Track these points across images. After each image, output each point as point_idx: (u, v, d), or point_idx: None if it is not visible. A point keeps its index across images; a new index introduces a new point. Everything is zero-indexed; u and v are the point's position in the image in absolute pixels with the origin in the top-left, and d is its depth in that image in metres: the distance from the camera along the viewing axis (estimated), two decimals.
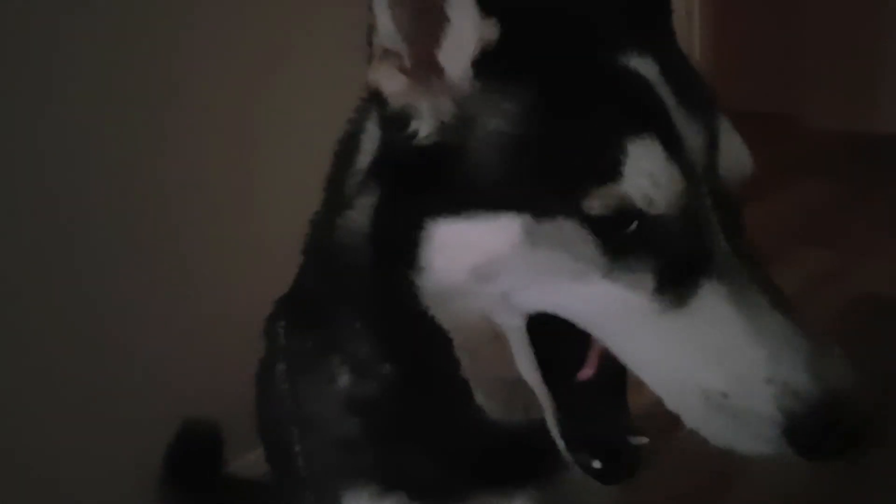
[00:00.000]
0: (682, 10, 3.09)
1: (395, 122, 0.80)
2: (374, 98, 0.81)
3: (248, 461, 1.84)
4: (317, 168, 0.98)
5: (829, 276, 2.95)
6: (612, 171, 0.69)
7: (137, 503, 1.77)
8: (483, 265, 0.75)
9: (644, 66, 0.73)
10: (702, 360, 0.69)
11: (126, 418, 1.80)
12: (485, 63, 0.75)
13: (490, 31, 0.73)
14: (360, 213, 0.85)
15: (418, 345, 0.86)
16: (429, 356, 0.86)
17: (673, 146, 0.70)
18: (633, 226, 0.70)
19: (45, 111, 1.64)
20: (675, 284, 0.70)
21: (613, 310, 0.72)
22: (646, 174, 0.68)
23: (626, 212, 0.69)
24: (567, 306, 0.75)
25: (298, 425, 1.06)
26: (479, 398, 0.89)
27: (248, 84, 1.93)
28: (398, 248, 0.80)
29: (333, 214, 0.91)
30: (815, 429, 0.65)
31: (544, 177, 0.72)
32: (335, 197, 0.93)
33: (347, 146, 0.92)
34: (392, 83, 0.79)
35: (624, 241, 0.70)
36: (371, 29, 0.78)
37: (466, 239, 0.75)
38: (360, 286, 0.87)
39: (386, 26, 0.76)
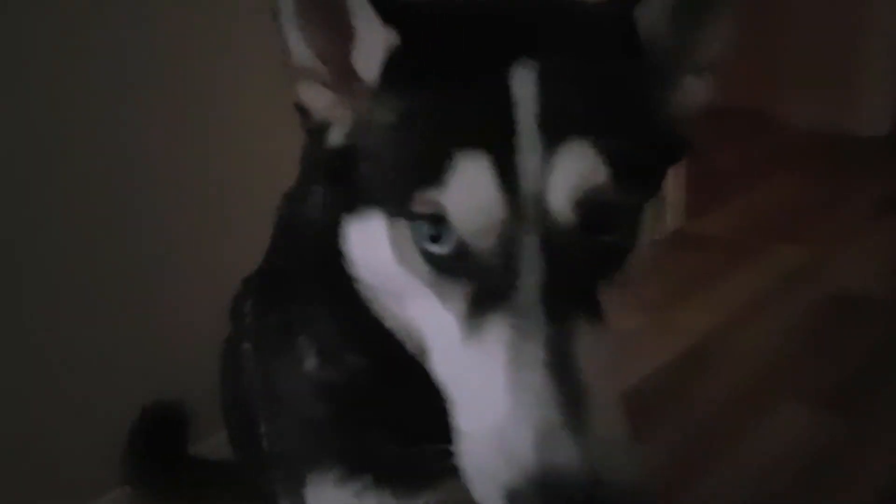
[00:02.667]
0: None
1: (317, 130, 0.82)
2: (300, 112, 0.83)
3: (214, 442, 1.83)
4: None
5: (801, 272, 2.98)
6: (436, 177, 0.68)
7: (103, 482, 1.77)
8: (375, 266, 0.77)
9: (523, 82, 0.70)
10: (469, 395, 0.69)
11: (92, 399, 1.78)
12: (391, 68, 0.76)
13: (392, 37, 0.74)
14: (318, 197, 0.88)
15: (374, 333, 0.85)
16: (386, 345, 0.85)
17: (507, 172, 0.67)
18: (450, 244, 0.69)
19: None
20: (478, 314, 0.69)
21: (433, 326, 0.73)
22: (468, 191, 0.67)
23: (442, 222, 0.69)
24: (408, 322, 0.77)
25: (264, 405, 1.04)
26: None
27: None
28: (334, 237, 0.82)
29: (306, 190, 0.91)
30: (524, 499, 0.63)
31: (396, 174, 0.72)
32: (309, 172, 0.93)
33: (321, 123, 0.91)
34: (318, 99, 0.81)
35: (443, 256, 0.70)
36: (284, 50, 0.80)
37: (364, 237, 0.77)
38: (321, 270, 0.87)
39: (297, 47, 0.79)
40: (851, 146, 4.39)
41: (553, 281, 0.67)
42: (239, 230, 1.96)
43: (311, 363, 0.93)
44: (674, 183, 3.38)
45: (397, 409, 0.89)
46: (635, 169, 0.70)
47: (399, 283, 0.75)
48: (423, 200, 0.69)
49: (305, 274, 0.93)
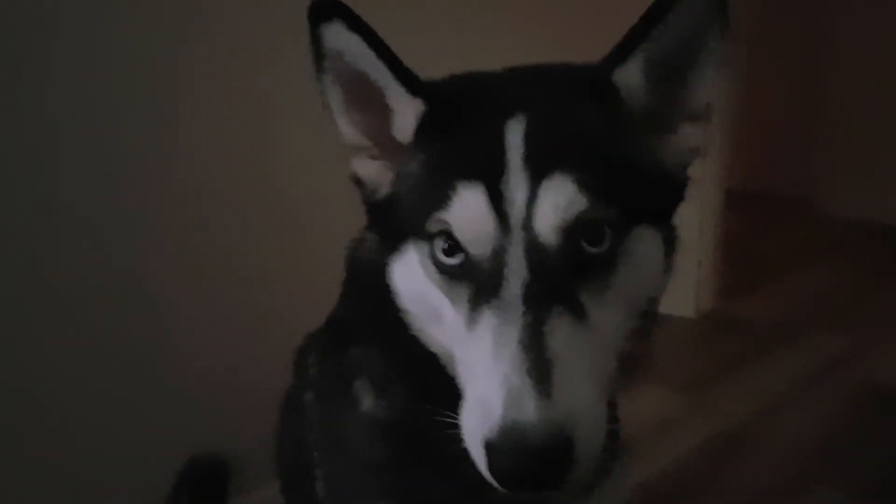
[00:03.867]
0: None
1: (370, 191, 1.01)
2: (356, 183, 1.02)
3: (256, 497, 1.86)
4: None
5: (838, 360, 2.98)
6: (445, 202, 0.86)
7: None
8: (412, 288, 0.93)
9: (514, 130, 0.87)
10: (468, 375, 0.85)
11: (136, 450, 1.84)
12: (420, 129, 0.95)
13: (420, 106, 0.94)
14: (373, 243, 1.04)
15: (415, 362, 0.98)
16: (424, 371, 0.97)
17: (498, 199, 0.85)
18: (459, 257, 0.87)
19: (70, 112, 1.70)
20: (475, 309, 0.85)
21: (451, 328, 0.89)
22: (465, 210, 0.85)
23: (451, 237, 0.87)
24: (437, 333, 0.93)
25: (323, 450, 1.11)
26: None
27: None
28: (384, 278, 0.97)
29: (366, 235, 1.07)
30: (496, 450, 0.76)
31: (419, 206, 0.90)
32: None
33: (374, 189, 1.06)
34: (367, 170, 1.01)
35: (452, 266, 0.88)
36: (338, 134, 1.01)
37: (404, 268, 0.94)
38: (373, 306, 1.00)
39: (348, 130, 1.00)
40: (892, 236, 4.41)
41: (534, 282, 0.82)
42: (289, 285, 2.05)
43: (367, 403, 1.04)
44: (708, 265, 3.44)
45: (441, 443, 0.94)
46: (613, 196, 0.86)
47: (429, 297, 0.91)
48: (435, 220, 0.87)
49: (362, 315, 1.08)
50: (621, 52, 0.92)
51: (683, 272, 3.54)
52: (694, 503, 2.17)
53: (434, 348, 0.96)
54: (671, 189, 0.98)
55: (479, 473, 0.88)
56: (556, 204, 0.83)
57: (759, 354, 3.06)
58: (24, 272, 1.67)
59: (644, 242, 0.90)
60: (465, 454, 0.84)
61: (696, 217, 3.31)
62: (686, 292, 3.39)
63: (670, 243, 0.97)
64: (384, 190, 0.99)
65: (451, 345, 0.90)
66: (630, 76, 0.93)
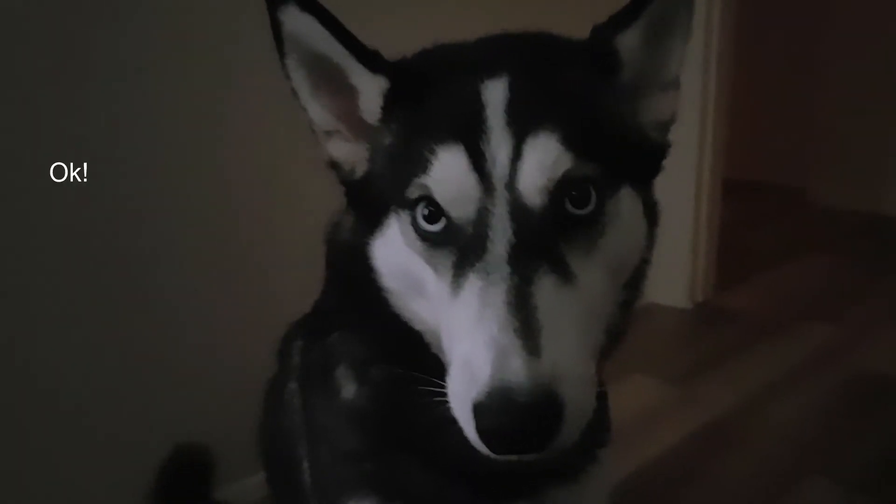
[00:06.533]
0: (699, 84, 3.17)
1: (348, 172, 0.99)
2: (333, 167, 1.00)
3: (238, 488, 1.84)
4: None
5: (830, 351, 2.98)
6: (424, 167, 0.85)
7: None
8: (394, 263, 0.91)
9: (493, 91, 0.86)
10: (454, 341, 0.82)
11: (119, 441, 1.84)
12: (386, 105, 0.94)
13: (383, 83, 0.93)
14: (349, 224, 1.02)
15: (396, 340, 0.96)
16: (407, 350, 0.95)
17: (479, 160, 0.83)
18: (441, 223, 0.85)
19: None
20: (460, 275, 0.83)
21: (436, 300, 0.87)
22: (445, 173, 0.84)
23: (432, 203, 0.85)
24: (420, 308, 0.91)
25: (308, 439, 1.09)
26: None
27: None
28: (364, 258, 0.95)
29: (342, 218, 1.04)
30: (484, 411, 0.74)
31: (397, 175, 0.89)
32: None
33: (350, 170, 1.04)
34: (341, 152, 0.99)
35: (435, 233, 0.86)
36: (308, 120, 0.99)
37: (385, 244, 0.92)
38: (352, 287, 0.99)
39: (318, 115, 0.98)
40: (885, 228, 4.42)
41: (519, 243, 0.81)
42: (273, 278, 2.03)
43: (348, 391, 1.02)
44: (702, 255, 3.42)
45: (421, 429, 0.94)
46: (597, 155, 0.84)
47: (411, 269, 0.89)
48: (416, 185, 0.85)
49: (341, 299, 1.05)
50: (629, 16, 0.93)
51: (679, 263, 3.56)
52: (685, 493, 2.16)
53: (418, 326, 0.94)
54: (651, 153, 0.99)
55: (460, 459, 0.86)
56: (541, 162, 0.82)
57: (751, 345, 3.06)
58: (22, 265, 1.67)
59: (627, 206, 0.89)
60: (447, 436, 0.81)
61: (691, 208, 3.32)
62: (681, 283, 3.39)
63: (652, 213, 0.96)
64: (361, 168, 0.97)
65: (436, 318, 0.88)
66: (631, 40, 0.93)
